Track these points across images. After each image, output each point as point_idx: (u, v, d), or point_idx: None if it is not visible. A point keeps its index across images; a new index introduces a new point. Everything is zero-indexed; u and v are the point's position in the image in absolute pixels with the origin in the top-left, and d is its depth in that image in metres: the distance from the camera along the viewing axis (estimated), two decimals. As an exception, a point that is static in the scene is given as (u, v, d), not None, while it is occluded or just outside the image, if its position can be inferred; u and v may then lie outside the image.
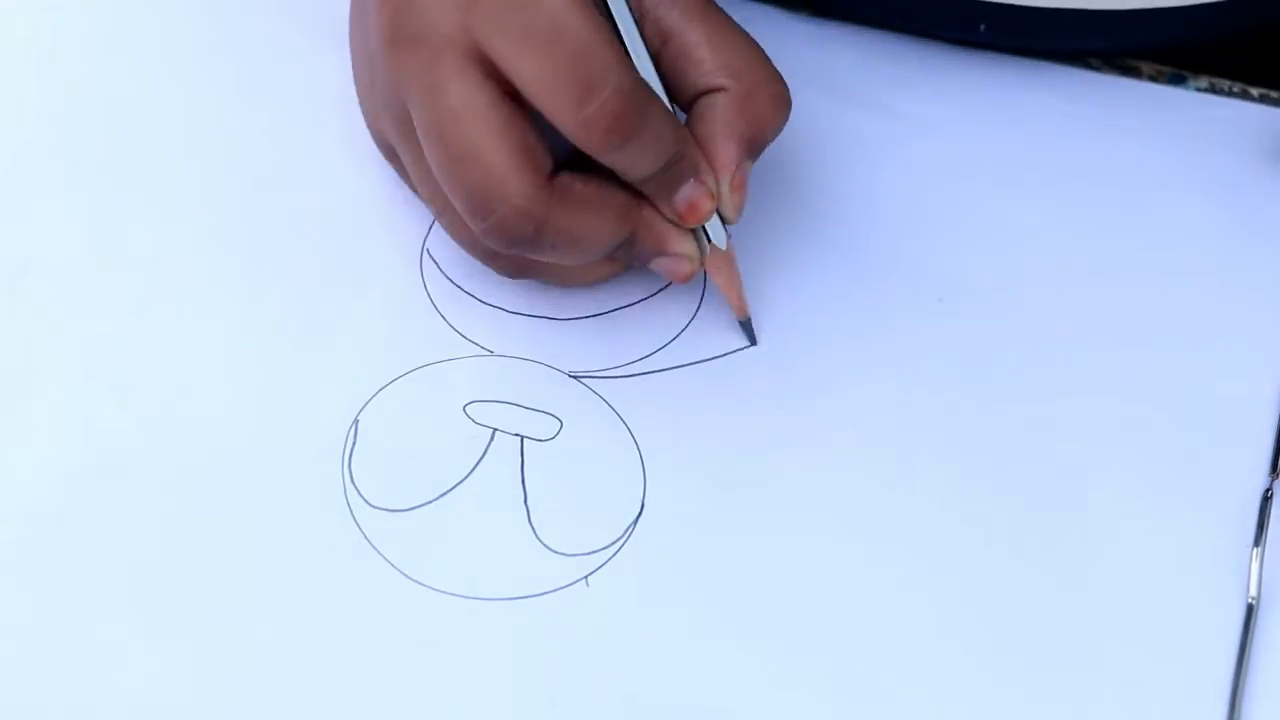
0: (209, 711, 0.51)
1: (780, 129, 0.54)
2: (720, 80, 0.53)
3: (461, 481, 0.55)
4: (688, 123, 0.54)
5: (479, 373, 0.57)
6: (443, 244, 0.59)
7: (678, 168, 0.53)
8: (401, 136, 0.54)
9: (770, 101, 0.54)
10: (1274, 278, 0.59)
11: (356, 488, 0.54)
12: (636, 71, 0.50)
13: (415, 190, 0.56)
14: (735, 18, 0.54)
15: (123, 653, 0.51)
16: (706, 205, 0.54)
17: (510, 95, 0.50)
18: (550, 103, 0.49)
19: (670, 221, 0.54)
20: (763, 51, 0.54)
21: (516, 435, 0.55)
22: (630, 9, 0.52)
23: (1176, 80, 0.63)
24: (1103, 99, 0.63)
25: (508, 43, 0.49)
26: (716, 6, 0.54)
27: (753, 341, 0.57)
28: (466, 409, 0.56)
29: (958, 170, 0.61)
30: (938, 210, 0.60)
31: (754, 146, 0.54)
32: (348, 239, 0.59)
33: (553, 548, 0.54)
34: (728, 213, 0.54)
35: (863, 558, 0.54)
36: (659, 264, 0.55)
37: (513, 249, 0.52)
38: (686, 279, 0.55)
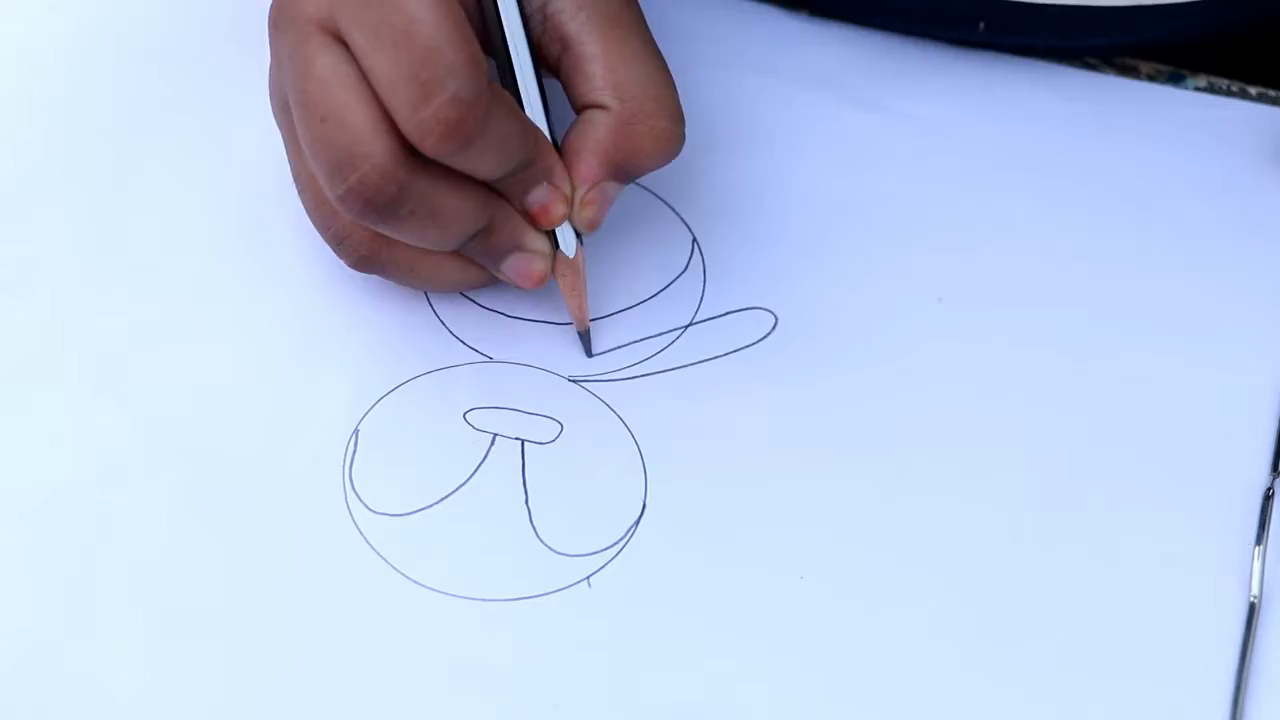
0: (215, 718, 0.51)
1: (659, 163, 0.54)
2: (604, 99, 0.53)
3: (462, 485, 0.55)
4: (568, 130, 0.54)
5: (479, 379, 0.57)
6: None
7: (529, 171, 0.53)
8: (284, 117, 0.54)
9: (649, 134, 0.53)
10: (1273, 275, 0.59)
11: (357, 494, 0.54)
12: (484, 77, 0.49)
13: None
14: (734, 16, 0.54)
15: (125, 662, 0.51)
16: (558, 210, 0.54)
17: None
18: (391, 101, 0.49)
19: (522, 219, 0.54)
20: (667, 82, 0.54)
21: (517, 439, 0.55)
22: (522, 11, 0.52)
23: (1175, 79, 0.63)
24: (1101, 98, 0.63)
25: (362, 35, 0.50)
26: (633, 24, 0.54)
27: (589, 354, 0.57)
28: (467, 416, 0.56)
29: (956, 170, 0.61)
30: (936, 210, 0.60)
31: (621, 171, 0.54)
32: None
33: (555, 548, 0.54)
34: (579, 224, 0.55)
35: (864, 557, 0.54)
36: (512, 263, 0.55)
37: (370, 216, 0.51)
38: (537, 282, 0.55)
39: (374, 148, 0.50)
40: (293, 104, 0.52)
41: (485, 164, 0.51)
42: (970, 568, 0.53)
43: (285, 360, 0.56)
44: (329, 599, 0.53)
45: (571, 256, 0.55)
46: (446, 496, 0.54)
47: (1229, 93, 0.63)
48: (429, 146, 0.50)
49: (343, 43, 0.51)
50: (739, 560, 0.54)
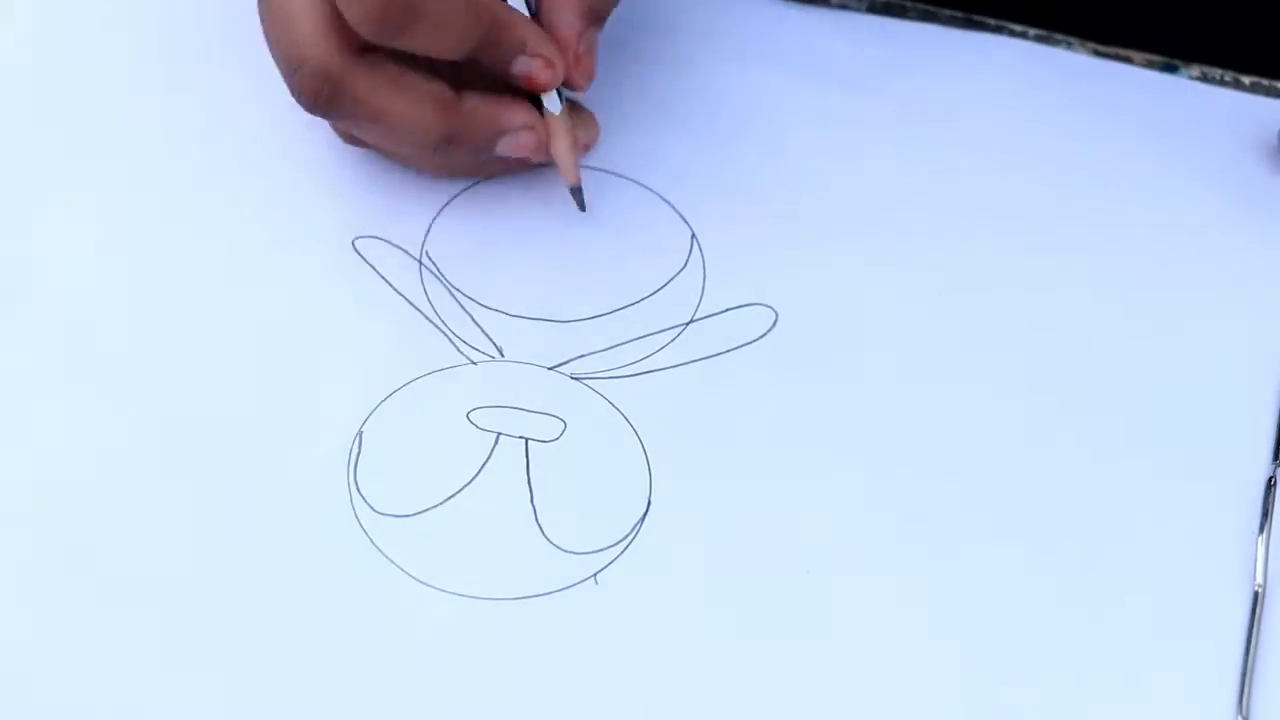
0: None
1: None
2: None
3: (467, 485, 0.54)
4: (540, 3, 0.56)
5: (481, 379, 0.57)
6: (442, 250, 0.59)
7: (500, 46, 0.55)
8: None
9: None
10: (1270, 264, 0.59)
11: (362, 495, 0.54)
12: None
13: None
14: (729, 9, 0.54)
15: (130, 667, 0.51)
16: (544, 75, 0.56)
17: None
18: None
19: (499, 100, 0.56)
20: None
21: (520, 438, 0.55)
22: None
23: (1169, 69, 0.63)
24: (1095, 87, 0.63)
25: None
26: None
27: (582, 208, 0.59)
28: (470, 415, 0.56)
29: (949, 160, 0.61)
30: (930, 202, 0.60)
31: (595, 14, 0.57)
32: (345, 249, 0.59)
33: (561, 546, 0.53)
34: (577, 81, 0.57)
35: (869, 550, 0.54)
36: (504, 146, 0.57)
37: (316, 111, 0.54)
38: (535, 150, 0.57)
39: (315, 49, 0.53)
40: (260, 17, 0.55)
41: (439, 44, 0.53)
42: (974, 559, 0.53)
43: (286, 364, 0.56)
44: (336, 601, 0.52)
45: (558, 114, 0.57)
46: (451, 497, 0.54)
47: (1223, 83, 0.63)
48: (367, 32, 0.52)
49: None
50: (744, 555, 0.53)
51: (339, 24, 0.53)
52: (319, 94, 0.54)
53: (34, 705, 0.50)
